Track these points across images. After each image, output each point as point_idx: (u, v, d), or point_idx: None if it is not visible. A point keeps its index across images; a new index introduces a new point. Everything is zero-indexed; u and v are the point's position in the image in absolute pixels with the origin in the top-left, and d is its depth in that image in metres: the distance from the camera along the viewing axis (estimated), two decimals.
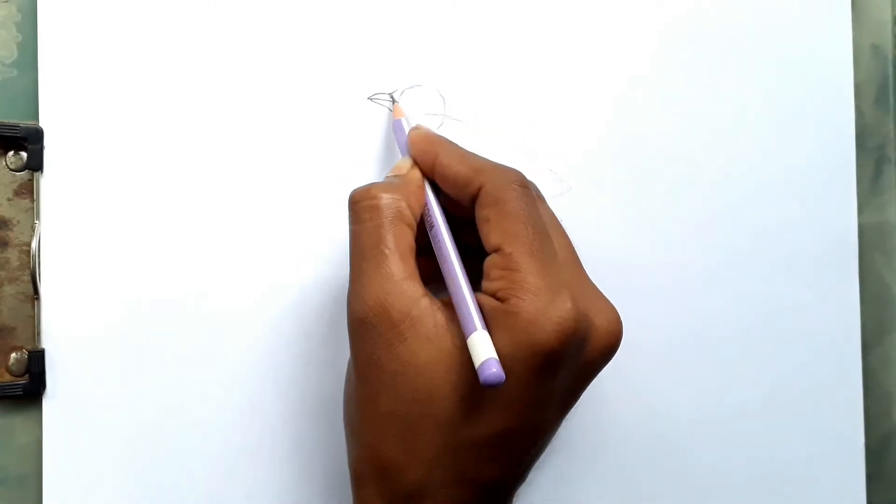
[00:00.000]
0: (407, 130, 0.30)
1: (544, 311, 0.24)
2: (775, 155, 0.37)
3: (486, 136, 0.33)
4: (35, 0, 0.29)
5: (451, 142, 0.29)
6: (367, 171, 0.32)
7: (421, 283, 0.26)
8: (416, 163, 0.29)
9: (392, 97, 0.32)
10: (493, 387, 0.23)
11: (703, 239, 0.36)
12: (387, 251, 0.26)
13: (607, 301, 0.27)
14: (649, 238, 0.35)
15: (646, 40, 0.35)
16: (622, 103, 0.35)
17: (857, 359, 0.38)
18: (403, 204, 0.27)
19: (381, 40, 0.32)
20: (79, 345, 0.29)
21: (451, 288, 0.26)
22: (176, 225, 0.30)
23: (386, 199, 0.27)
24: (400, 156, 0.30)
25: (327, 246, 0.31)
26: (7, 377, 0.29)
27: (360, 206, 0.27)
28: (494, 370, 0.23)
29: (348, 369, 0.28)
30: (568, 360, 0.25)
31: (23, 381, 0.29)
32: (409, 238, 0.27)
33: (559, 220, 0.29)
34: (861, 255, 0.38)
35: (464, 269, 0.26)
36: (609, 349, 0.27)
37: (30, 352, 0.29)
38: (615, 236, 0.34)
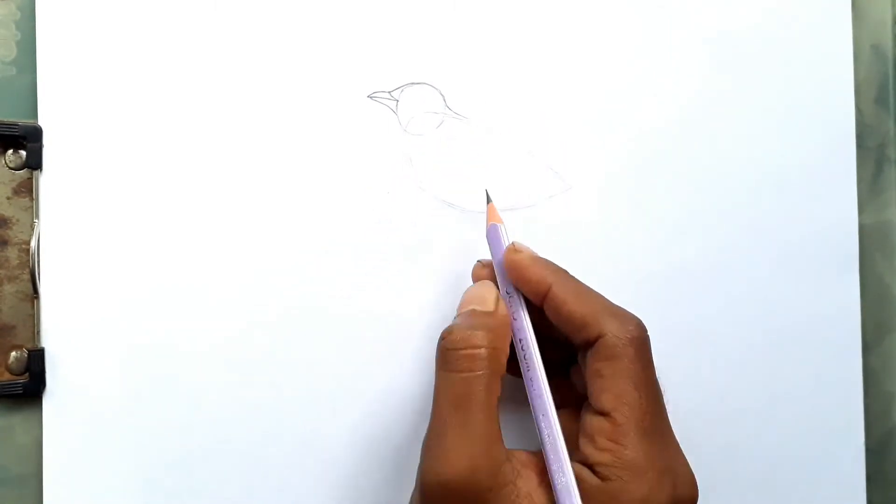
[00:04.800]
0: (504, 240, 0.29)
1: (647, 499, 0.23)
2: (775, 154, 0.37)
3: (485, 134, 0.33)
4: None
5: (564, 271, 0.28)
6: (367, 170, 0.32)
7: (503, 444, 0.25)
8: (498, 294, 0.28)
9: (487, 195, 0.30)
10: None
11: (703, 238, 0.36)
12: (482, 409, 0.24)
13: (688, 467, 0.26)
14: (649, 237, 0.35)
15: (646, 40, 0.35)
16: (622, 102, 0.35)
17: (857, 359, 0.38)
18: (502, 354, 0.26)
19: (381, 40, 0.32)
20: (79, 344, 0.29)
21: (550, 459, 0.25)
22: (175, 223, 0.30)
23: (486, 351, 0.25)
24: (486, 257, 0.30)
25: (324, 241, 0.31)
26: (7, 376, 0.29)
27: (459, 354, 0.25)
28: None
29: None
30: None
31: (23, 379, 0.29)
32: (498, 392, 0.25)
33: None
34: (861, 255, 0.38)
35: (564, 445, 0.25)
36: None
37: (30, 350, 0.29)
38: (615, 235, 0.34)
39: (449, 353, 0.26)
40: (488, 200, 0.30)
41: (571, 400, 0.28)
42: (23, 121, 0.29)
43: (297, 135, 0.31)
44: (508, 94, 0.33)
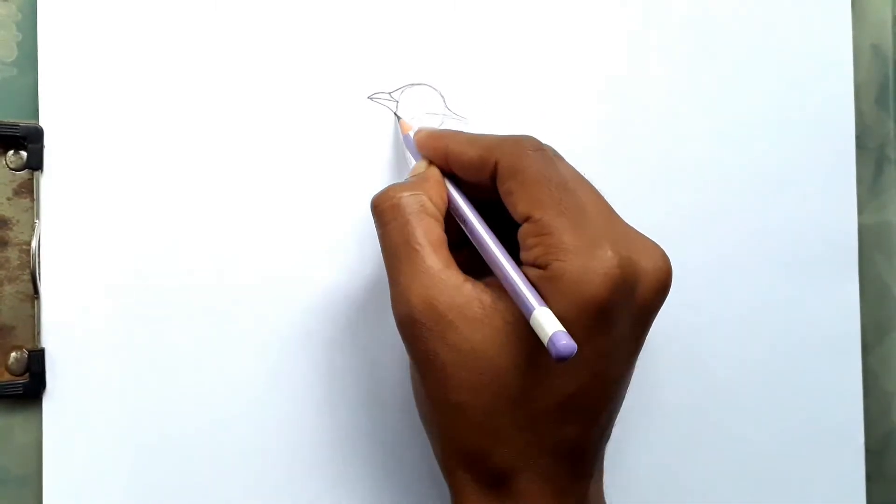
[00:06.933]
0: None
1: (588, 267, 0.24)
2: (775, 155, 0.37)
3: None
4: None
5: (456, 131, 0.29)
6: (367, 170, 0.32)
7: (459, 271, 0.26)
8: (431, 162, 0.29)
9: (396, 115, 0.32)
10: (566, 359, 0.22)
11: (703, 239, 0.36)
12: (418, 246, 0.26)
13: (649, 241, 0.27)
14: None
15: (646, 40, 0.35)
16: (622, 102, 0.35)
17: (857, 359, 0.38)
18: (425, 198, 0.27)
19: (381, 40, 0.32)
20: (79, 344, 0.29)
21: (498, 272, 0.26)
22: (176, 224, 0.30)
23: (406, 196, 0.27)
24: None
25: (325, 242, 0.31)
26: (7, 376, 0.29)
27: (383, 207, 0.27)
28: (565, 342, 0.22)
29: (410, 369, 0.28)
30: (621, 308, 0.25)
31: (23, 380, 0.29)
32: (437, 230, 0.27)
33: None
34: (861, 255, 0.38)
35: (504, 250, 0.26)
36: (661, 288, 0.26)
37: (30, 351, 0.29)
38: None
39: (375, 210, 0.27)
40: (398, 118, 0.32)
41: None
42: (24, 121, 0.29)
43: (296, 136, 0.31)
44: (508, 95, 0.33)
